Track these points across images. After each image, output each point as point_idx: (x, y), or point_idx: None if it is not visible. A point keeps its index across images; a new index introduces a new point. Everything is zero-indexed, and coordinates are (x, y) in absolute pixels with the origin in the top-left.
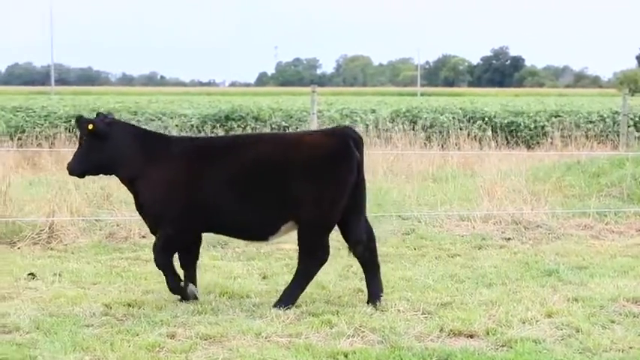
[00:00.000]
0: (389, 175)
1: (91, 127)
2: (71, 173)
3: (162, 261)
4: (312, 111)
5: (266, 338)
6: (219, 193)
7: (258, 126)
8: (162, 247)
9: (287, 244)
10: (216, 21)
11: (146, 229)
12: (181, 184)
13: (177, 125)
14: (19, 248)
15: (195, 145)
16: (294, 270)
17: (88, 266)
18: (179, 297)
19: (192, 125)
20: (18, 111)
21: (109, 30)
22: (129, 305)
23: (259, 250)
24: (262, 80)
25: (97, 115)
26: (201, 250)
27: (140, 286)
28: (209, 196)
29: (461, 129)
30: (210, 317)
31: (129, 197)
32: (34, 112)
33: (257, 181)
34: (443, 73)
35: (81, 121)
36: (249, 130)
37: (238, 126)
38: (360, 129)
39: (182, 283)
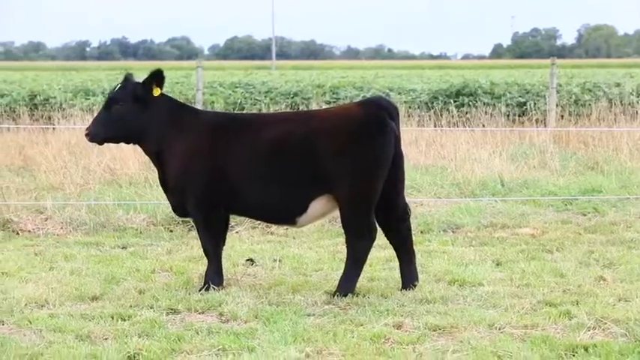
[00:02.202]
0: (635, 153)
1: (156, 92)
2: (92, 139)
3: (210, 246)
4: (551, 85)
5: (499, 329)
6: (243, 169)
7: (491, 102)
8: (204, 231)
9: (523, 228)
10: None
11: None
12: (205, 158)
13: (405, 102)
14: (237, 232)
15: (223, 119)
16: (531, 256)
17: (310, 252)
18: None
19: (421, 101)
20: (237, 87)
21: (333, 1)
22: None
23: (492, 234)
24: (497, 52)
25: (128, 77)
26: (430, 235)
27: (365, 272)
28: (232, 172)
29: None
30: (439, 306)
31: None
32: (254, 87)
33: (283, 158)
34: None
35: (128, 80)
36: (480, 107)
37: (470, 102)
38: (603, 104)
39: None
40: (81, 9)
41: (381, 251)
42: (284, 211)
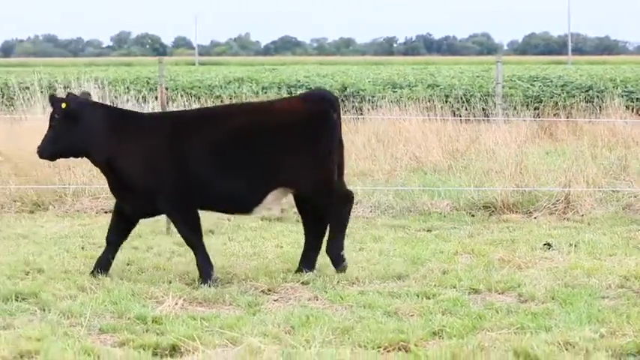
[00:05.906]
0: None
1: (64, 105)
2: (41, 156)
3: (194, 237)
4: None
5: None
6: (200, 166)
7: None
8: (186, 227)
9: None
10: None
11: None
12: (164, 159)
13: None
14: (535, 218)
15: (172, 120)
16: None
17: (604, 237)
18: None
19: None
20: (535, 81)
21: None
22: None
23: None
24: None
25: (68, 95)
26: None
27: None
28: (191, 169)
29: None
30: None
31: None
32: (551, 81)
33: (236, 152)
34: None
35: (53, 99)
36: None
37: None
38: None
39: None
40: (390, 7)
41: None
42: (242, 202)
